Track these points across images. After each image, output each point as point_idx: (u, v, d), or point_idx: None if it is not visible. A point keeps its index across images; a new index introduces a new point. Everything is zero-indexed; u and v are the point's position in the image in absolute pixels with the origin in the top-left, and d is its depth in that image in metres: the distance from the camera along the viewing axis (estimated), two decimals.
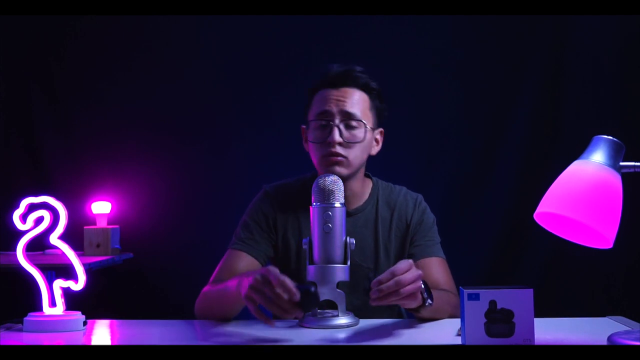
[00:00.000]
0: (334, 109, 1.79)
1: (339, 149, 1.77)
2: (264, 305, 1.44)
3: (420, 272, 1.48)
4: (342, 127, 1.78)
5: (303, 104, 1.95)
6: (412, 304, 1.51)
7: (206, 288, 1.76)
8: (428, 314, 1.61)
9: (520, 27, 3.08)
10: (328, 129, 1.78)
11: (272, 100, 3.15)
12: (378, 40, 3.11)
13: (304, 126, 1.90)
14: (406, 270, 1.45)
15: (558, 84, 3.08)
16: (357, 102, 1.81)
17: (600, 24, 3.02)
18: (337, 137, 1.77)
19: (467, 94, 3.12)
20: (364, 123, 1.80)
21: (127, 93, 3.21)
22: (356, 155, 1.80)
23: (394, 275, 1.43)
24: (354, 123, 1.79)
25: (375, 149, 1.88)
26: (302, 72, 3.00)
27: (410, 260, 1.49)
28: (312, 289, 1.43)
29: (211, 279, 1.80)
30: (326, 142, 1.78)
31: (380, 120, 1.88)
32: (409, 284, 1.44)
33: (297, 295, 1.41)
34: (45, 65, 3.22)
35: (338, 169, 1.78)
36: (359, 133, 1.80)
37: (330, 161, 1.77)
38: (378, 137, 1.88)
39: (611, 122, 2.94)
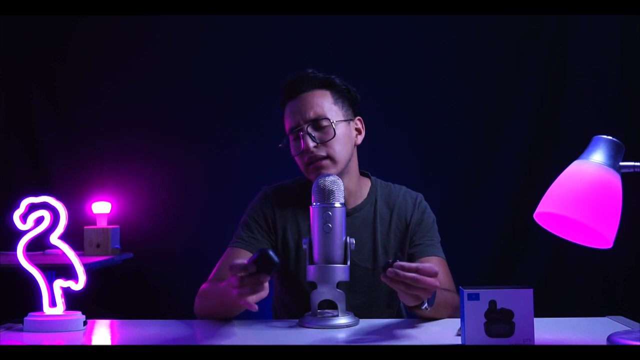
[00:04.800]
0: (300, 120, 1.82)
1: (316, 152, 1.79)
2: (243, 295, 1.42)
3: (438, 284, 1.46)
4: (310, 130, 1.81)
5: None
6: (409, 302, 1.49)
7: (204, 286, 1.76)
8: (428, 313, 1.60)
9: (520, 27, 3.08)
10: (300, 139, 1.81)
11: (272, 101, 3.14)
12: (378, 40, 3.11)
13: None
14: (430, 275, 1.43)
15: (558, 84, 3.08)
16: (318, 103, 1.83)
17: (600, 24, 3.02)
18: (309, 143, 1.80)
19: (467, 93, 3.12)
20: (329, 119, 1.81)
21: (127, 93, 3.21)
22: (336, 150, 1.81)
23: (417, 271, 1.41)
24: (322, 123, 1.81)
25: (359, 138, 1.89)
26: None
27: (437, 269, 1.46)
28: (267, 250, 1.41)
29: (210, 277, 1.80)
30: (302, 151, 1.80)
31: (355, 108, 1.90)
32: (421, 288, 1.42)
33: (251, 268, 1.40)
34: (45, 65, 3.22)
35: (325, 172, 1.78)
36: (329, 130, 1.81)
37: (314, 167, 1.79)
38: (358, 125, 1.90)
39: (611, 122, 2.94)
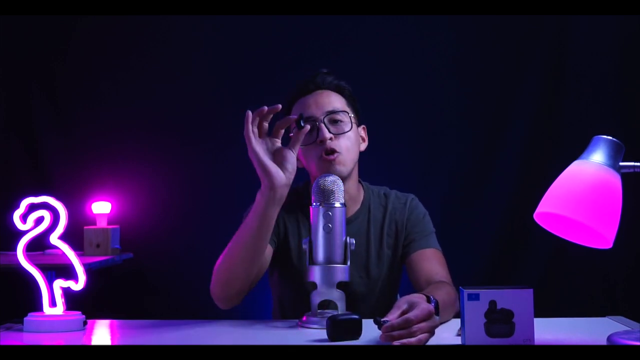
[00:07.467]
0: (316, 111, 1.81)
1: (330, 144, 1.78)
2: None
3: (436, 321, 1.40)
4: (327, 122, 1.80)
5: None
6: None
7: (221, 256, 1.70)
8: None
9: (520, 27, 3.08)
10: (315, 130, 1.79)
11: (272, 101, 3.13)
12: (378, 40, 3.11)
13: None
14: (422, 319, 1.36)
15: (558, 84, 3.08)
16: (334, 100, 1.84)
17: (600, 24, 3.02)
18: (326, 134, 1.78)
19: (467, 93, 3.12)
20: (347, 112, 1.82)
21: (127, 93, 3.21)
22: (348, 147, 1.80)
23: (408, 323, 1.35)
24: (337, 117, 1.82)
25: (363, 145, 1.90)
26: (302, 72, 3.02)
27: (431, 308, 1.39)
28: None
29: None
30: (317, 141, 1.79)
31: (359, 117, 1.90)
32: (423, 333, 1.36)
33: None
34: (45, 65, 3.22)
35: (338, 167, 1.78)
36: (345, 125, 1.82)
37: (328, 160, 1.77)
38: (362, 134, 1.90)
39: (611, 122, 2.94)
